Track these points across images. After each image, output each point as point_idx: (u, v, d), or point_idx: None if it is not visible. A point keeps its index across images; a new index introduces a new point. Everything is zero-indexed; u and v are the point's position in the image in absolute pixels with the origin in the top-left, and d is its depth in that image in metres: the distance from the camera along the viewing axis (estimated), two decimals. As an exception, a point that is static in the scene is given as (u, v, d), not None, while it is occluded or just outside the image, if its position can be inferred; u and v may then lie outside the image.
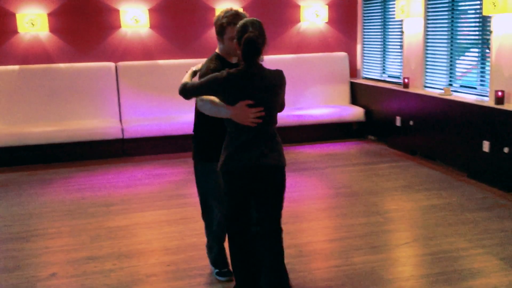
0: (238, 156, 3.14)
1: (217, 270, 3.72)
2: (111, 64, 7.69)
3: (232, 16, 3.33)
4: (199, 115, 3.46)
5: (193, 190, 5.71)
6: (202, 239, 4.40)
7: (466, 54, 6.51)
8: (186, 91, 3.26)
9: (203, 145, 3.54)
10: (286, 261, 3.39)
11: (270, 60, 8.66)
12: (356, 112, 8.06)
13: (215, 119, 3.28)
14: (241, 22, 3.12)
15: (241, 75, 3.09)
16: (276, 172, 3.20)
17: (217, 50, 3.49)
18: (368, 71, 8.55)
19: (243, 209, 3.25)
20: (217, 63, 3.37)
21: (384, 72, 8.12)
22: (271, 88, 3.15)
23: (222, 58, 3.43)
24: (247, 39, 3.03)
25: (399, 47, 7.62)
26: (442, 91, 6.52)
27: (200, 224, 4.71)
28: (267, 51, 3.17)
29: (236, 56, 3.34)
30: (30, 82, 7.40)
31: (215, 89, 3.15)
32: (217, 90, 3.15)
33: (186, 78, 3.41)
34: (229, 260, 3.54)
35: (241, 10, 3.51)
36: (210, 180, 3.51)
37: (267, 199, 3.23)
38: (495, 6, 5.38)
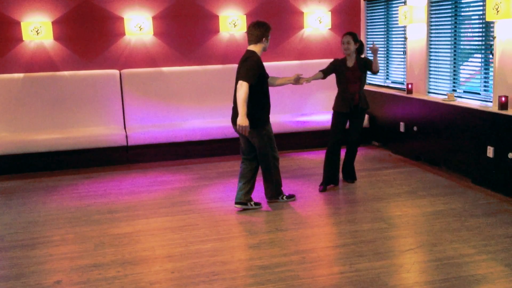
0: (340, 103, 5.78)
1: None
2: (115, 72, 7.72)
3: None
4: (251, 100, 4.85)
5: (197, 197, 5.78)
6: (205, 245, 4.42)
7: (470, 59, 6.50)
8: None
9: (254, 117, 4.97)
10: (289, 268, 3.97)
11: (274, 66, 8.65)
12: (360, 118, 8.05)
13: (260, 100, 5.00)
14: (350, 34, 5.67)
15: (346, 60, 5.73)
16: (361, 111, 5.82)
17: (256, 50, 4.96)
18: (371, 77, 8.54)
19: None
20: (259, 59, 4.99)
21: (387, 78, 8.12)
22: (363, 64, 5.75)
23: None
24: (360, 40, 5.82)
25: (402, 53, 7.62)
26: (446, 96, 6.51)
27: (204, 231, 4.74)
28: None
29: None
30: (34, 90, 7.43)
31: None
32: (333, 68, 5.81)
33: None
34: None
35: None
36: (264, 137, 5.12)
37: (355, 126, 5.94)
38: (498, 11, 5.38)
